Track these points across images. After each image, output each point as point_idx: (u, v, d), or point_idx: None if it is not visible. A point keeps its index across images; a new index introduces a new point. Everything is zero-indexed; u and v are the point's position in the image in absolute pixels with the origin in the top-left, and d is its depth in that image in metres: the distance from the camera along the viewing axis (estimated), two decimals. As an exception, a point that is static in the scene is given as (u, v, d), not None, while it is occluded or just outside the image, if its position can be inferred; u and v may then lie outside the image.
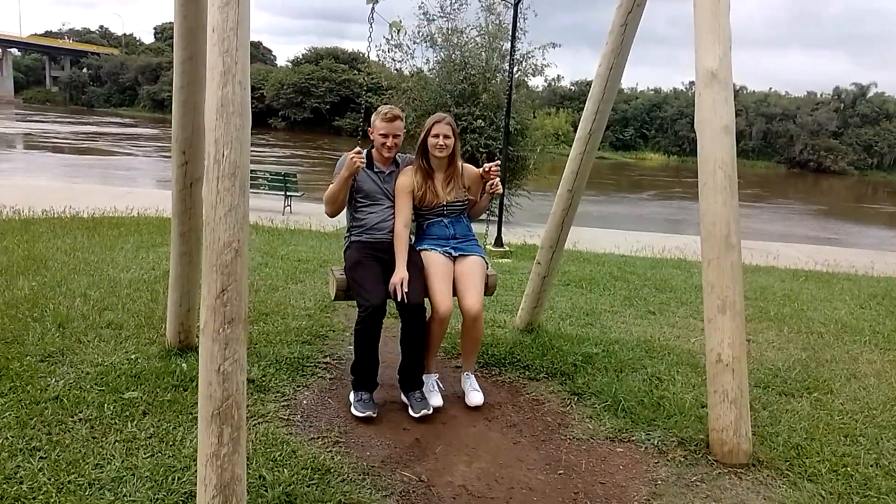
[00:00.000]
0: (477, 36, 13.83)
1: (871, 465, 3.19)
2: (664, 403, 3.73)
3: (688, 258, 9.11)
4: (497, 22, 13.58)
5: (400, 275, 3.49)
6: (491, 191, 3.77)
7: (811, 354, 4.93)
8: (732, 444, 3.12)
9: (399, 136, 3.71)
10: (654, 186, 32.08)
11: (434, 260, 3.71)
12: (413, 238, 3.89)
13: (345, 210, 3.83)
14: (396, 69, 14.46)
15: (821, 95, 61.39)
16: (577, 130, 4.31)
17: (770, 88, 65.58)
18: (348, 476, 2.88)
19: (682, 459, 3.18)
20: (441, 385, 3.80)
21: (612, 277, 7.29)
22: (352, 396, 3.57)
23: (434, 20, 14.02)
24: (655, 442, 3.33)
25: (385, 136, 3.66)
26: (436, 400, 3.65)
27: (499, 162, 3.83)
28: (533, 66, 14.12)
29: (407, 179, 3.74)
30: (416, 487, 2.87)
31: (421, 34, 13.82)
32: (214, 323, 2.31)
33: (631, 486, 2.96)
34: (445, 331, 3.77)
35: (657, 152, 57.44)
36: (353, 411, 3.47)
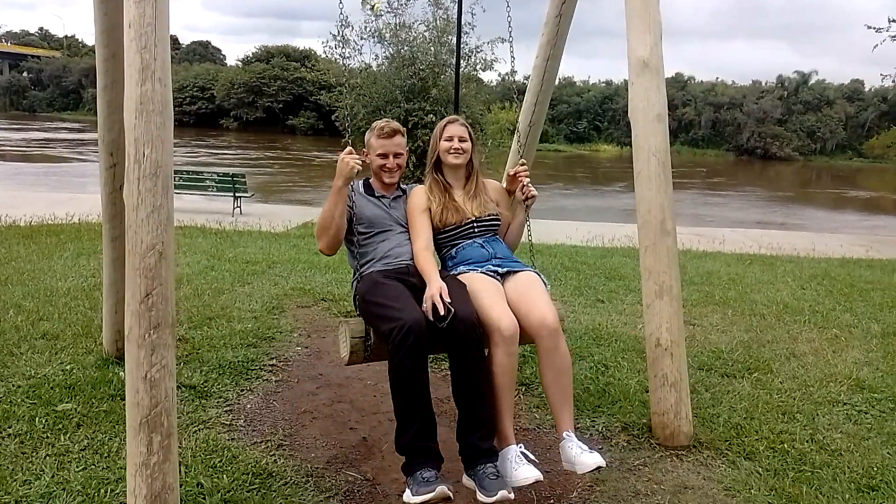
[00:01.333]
0: (425, 31, 13.81)
1: (807, 441, 3.29)
2: (609, 390, 3.78)
3: (636, 246, 9.22)
4: (444, 17, 13.60)
5: (436, 285, 2.58)
6: (525, 196, 3.08)
7: (753, 336, 5.06)
8: (673, 426, 3.18)
9: (402, 154, 3.01)
10: (610, 178, 32.56)
11: (477, 278, 2.81)
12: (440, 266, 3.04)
13: (346, 252, 3.08)
14: (344, 66, 14.32)
15: (765, 84, 63.11)
16: (518, 124, 4.32)
17: (717, 78, 67.23)
18: (291, 479, 2.83)
19: (626, 444, 3.23)
20: (530, 454, 2.57)
21: (562, 268, 7.37)
22: (407, 481, 2.41)
23: (381, 15, 13.95)
24: (600, 428, 3.38)
25: (384, 155, 2.97)
26: (526, 472, 2.42)
27: (524, 161, 3.22)
28: (483, 61, 14.20)
29: (420, 198, 3.02)
30: (360, 487, 2.84)
31: (368, 30, 13.74)
32: (139, 329, 2.24)
33: (574, 474, 2.97)
34: (517, 363, 2.67)
35: (610, 143, 58.24)
36: (413, 500, 2.29)
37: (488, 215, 3.05)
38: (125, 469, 2.69)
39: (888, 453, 3.20)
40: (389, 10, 13.53)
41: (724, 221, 17.66)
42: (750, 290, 6.63)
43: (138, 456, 2.19)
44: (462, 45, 11.31)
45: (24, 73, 75.79)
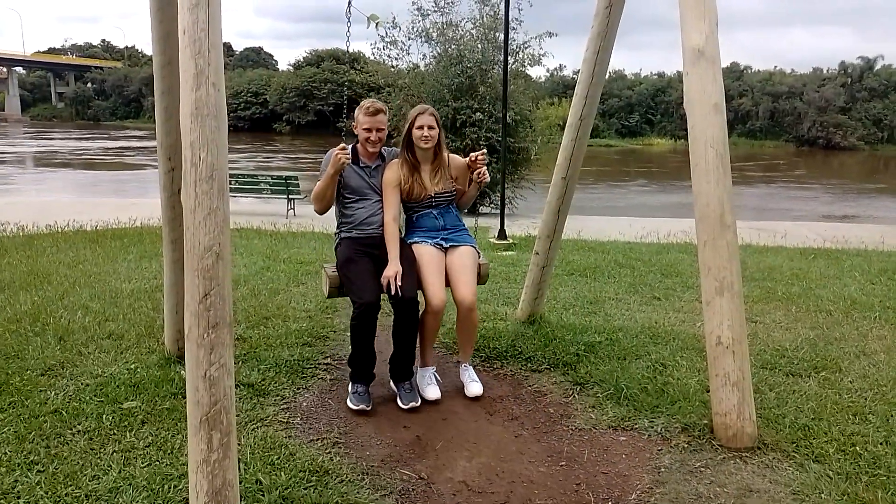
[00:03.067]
0: (472, 29, 13.77)
1: (881, 444, 3.13)
2: (668, 389, 3.68)
3: (694, 241, 8.97)
4: (492, 14, 13.53)
5: (393, 269, 3.50)
6: (478, 180, 3.73)
7: (819, 333, 4.85)
8: (736, 427, 3.06)
9: (383, 129, 3.68)
10: (659, 174, 31.83)
11: (425, 252, 3.69)
12: (403, 231, 3.88)
13: (334, 207, 3.82)
14: (393, 67, 14.43)
15: (827, 71, 60.61)
16: (568, 118, 4.25)
17: (775, 67, 64.98)
18: (347, 477, 2.85)
19: (686, 445, 3.13)
20: (439, 378, 3.80)
21: (616, 265, 7.23)
22: (349, 388, 3.61)
23: (428, 15, 13.99)
24: (659, 429, 3.28)
25: (368, 130, 3.64)
26: (432, 392, 3.67)
27: (484, 151, 3.80)
28: (530, 57, 14.05)
29: (393, 173, 3.71)
30: (415, 485, 2.84)
31: (416, 30, 13.80)
32: (198, 328, 2.29)
33: (633, 475, 2.91)
34: (440, 323, 3.76)
35: (663, 137, 56.99)
36: (349, 403, 3.52)
37: (445, 191, 3.77)
38: (187, 465, 2.77)
39: (971, 457, 3.01)
40: (436, 9, 13.56)
41: (786, 215, 17.05)
42: (815, 286, 6.36)
43: (199, 453, 2.24)
44: (510, 42, 11.25)
45: (89, 84, 79.15)
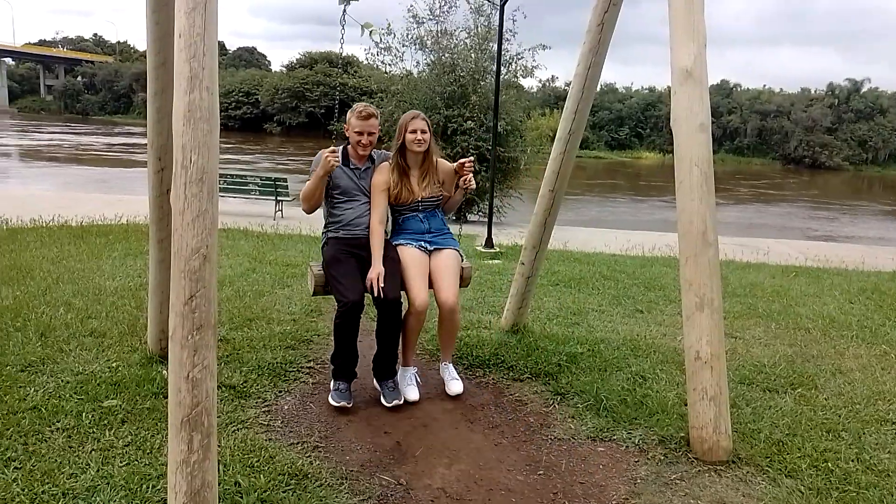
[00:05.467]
0: (466, 38, 13.85)
1: (852, 460, 3.19)
2: (647, 402, 3.73)
3: (677, 255, 9.06)
4: (486, 24, 13.62)
5: (376, 270, 3.55)
6: (464, 186, 3.81)
7: (798, 350, 4.93)
8: (712, 441, 3.11)
9: (374, 133, 3.74)
10: (650, 188, 32.08)
11: (410, 254, 3.76)
12: (389, 233, 3.94)
13: (322, 207, 3.87)
14: (386, 72, 14.47)
15: (815, 91, 61.40)
16: (557, 131, 4.30)
17: (764, 85, 65.77)
18: (326, 481, 2.86)
19: (663, 458, 3.17)
20: (419, 379, 3.87)
21: (601, 277, 7.29)
22: (330, 385, 3.66)
23: (423, 23, 14.06)
24: (636, 441, 3.33)
25: (360, 133, 3.69)
26: (412, 394, 3.73)
27: (472, 158, 3.86)
28: (523, 68, 14.16)
29: (383, 177, 3.78)
30: (394, 491, 2.85)
31: (410, 37, 13.85)
32: (183, 329, 2.30)
33: (610, 486, 2.95)
34: (423, 324, 3.83)
35: (652, 151, 57.44)
36: (330, 400, 3.58)
37: (431, 196, 3.86)
38: (166, 466, 2.77)
39: (939, 476, 3.08)
40: (431, 17, 13.65)
41: (770, 231, 17.25)
42: (795, 303, 6.46)
43: (179, 454, 2.25)
44: (503, 52, 11.33)
45: (79, 78, 78.52)
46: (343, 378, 3.64)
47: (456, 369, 4.00)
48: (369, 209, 3.76)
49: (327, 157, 3.51)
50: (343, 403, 3.54)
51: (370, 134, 3.72)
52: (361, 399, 3.72)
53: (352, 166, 3.79)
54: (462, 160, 3.81)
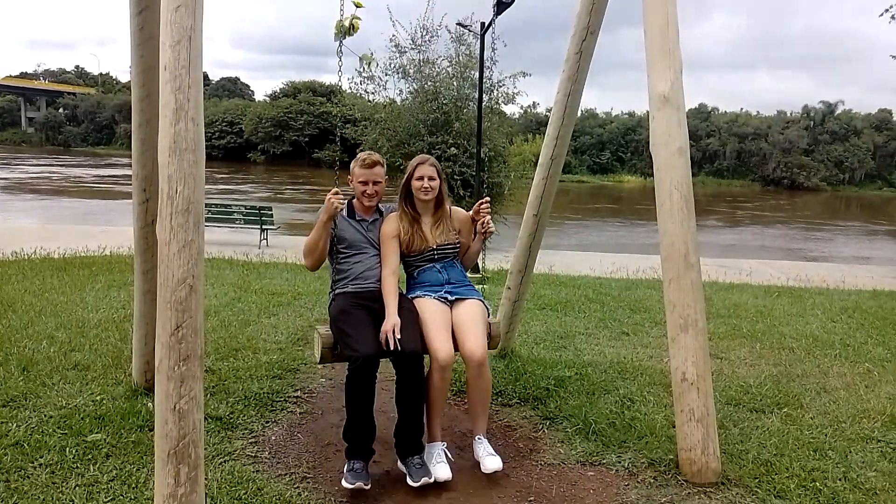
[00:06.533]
0: (448, 66, 14.03)
1: (840, 479, 3.21)
2: (636, 425, 3.73)
3: (662, 278, 9.13)
4: (467, 52, 13.81)
5: (391, 321, 3.14)
6: (483, 230, 3.51)
7: (783, 370, 4.97)
8: (701, 463, 3.12)
9: (380, 182, 3.44)
10: (631, 212, 32.39)
11: (429, 306, 3.34)
12: (403, 289, 3.55)
13: (328, 266, 3.55)
14: (370, 101, 14.60)
15: (791, 114, 62.74)
16: (540, 156, 4.37)
17: (741, 109, 67.05)
18: (315, 512, 2.83)
19: (652, 481, 3.17)
20: (450, 455, 3.30)
21: (587, 300, 7.33)
22: (345, 467, 3.10)
23: (405, 52, 14.22)
24: (626, 464, 3.33)
25: (365, 182, 3.40)
26: (442, 472, 3.13)
27: (488, 199, 3.57)
28: (504, 95, 14.37)
29: (392, 225, 3.46)
30: (384, 521, 2.83)
31: (393, 66, 14.00)
32: (169, 360, 2.29)
33: (601, 510, 2.94)
34: (448, 383, 3.31)
35: (634, 174, 58.15)
36: (343, 483, 2.99)
37: (448, 243, 3.50)
38: (152, 500, 2.73)
39: (925, 493, 3.11)
40: (413, 46, 13.84)
41: (749, 251, 17.45)
42: (778, 323, 6.53)
43: (166, 487, 2.22)
44: (484, 80, 11.48)
45: (60, 110, 78.26)
46: (359, 456, 3.09)
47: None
48: (380, 261, 3.42)
49: (330, 199, 3.22)
50: (359, 484, 2.95)
51: (375, 183, 3.40)
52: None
53: (358, 218, 3.48)
54: (480, 203, 3.51)
